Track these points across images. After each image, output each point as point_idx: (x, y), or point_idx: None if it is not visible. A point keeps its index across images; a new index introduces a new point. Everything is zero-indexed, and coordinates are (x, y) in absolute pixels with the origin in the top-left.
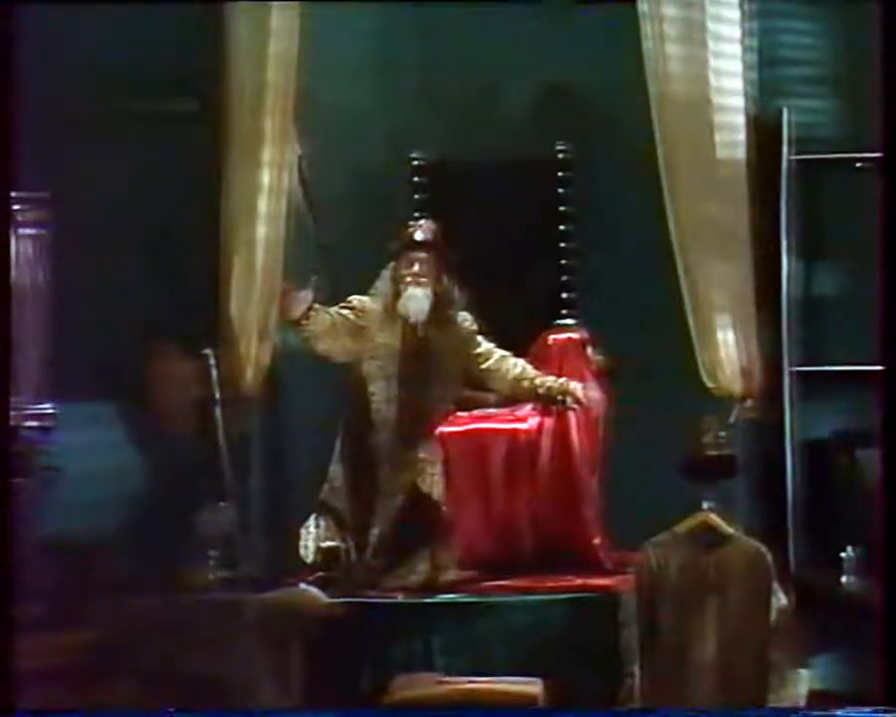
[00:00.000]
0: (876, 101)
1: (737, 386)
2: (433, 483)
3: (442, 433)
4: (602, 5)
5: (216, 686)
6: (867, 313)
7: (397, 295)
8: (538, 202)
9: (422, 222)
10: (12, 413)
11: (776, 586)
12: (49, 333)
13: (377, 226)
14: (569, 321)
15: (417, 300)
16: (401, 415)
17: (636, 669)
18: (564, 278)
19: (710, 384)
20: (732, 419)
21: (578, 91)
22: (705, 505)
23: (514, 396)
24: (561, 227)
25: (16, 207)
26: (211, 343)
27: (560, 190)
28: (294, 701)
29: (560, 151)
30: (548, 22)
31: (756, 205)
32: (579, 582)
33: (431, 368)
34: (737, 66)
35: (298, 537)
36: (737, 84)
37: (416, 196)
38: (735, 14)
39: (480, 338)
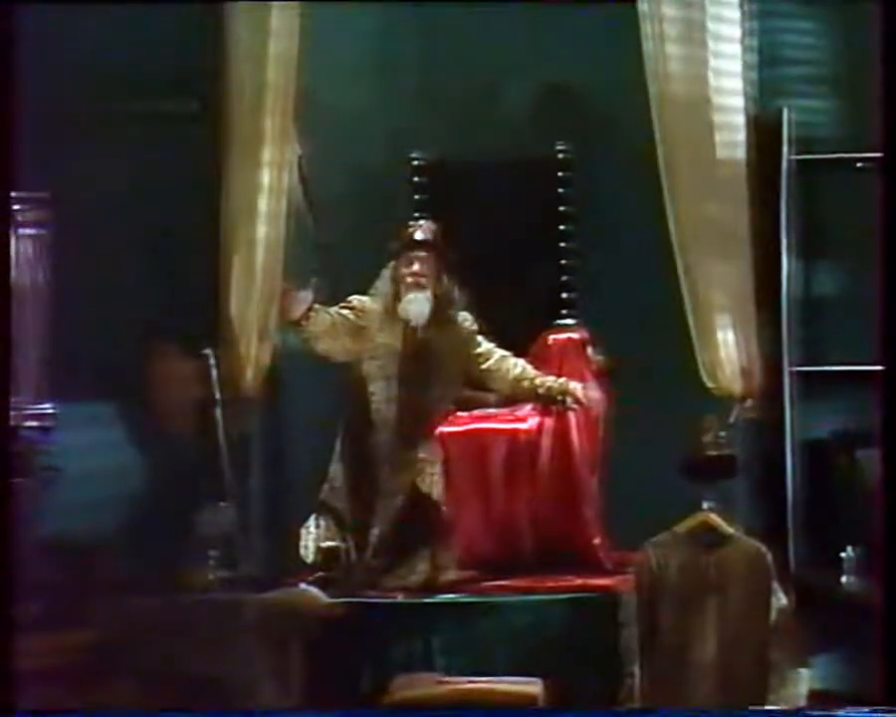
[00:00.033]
0: (876, 101)
1: (737, 386)
2: (433, 483)
3: (442, 433)
4: (602, 5)
5: (216, 686)
6: (867, 313)
7: (397, 295)
8: (538, 202)
9: (422, 222)
10: (12, 413)
11: (776, 586)
12: (49, 333)
13: (377, 226)
14: (569, 321)
15: (418, 303)
16: (401, 415)
17: (636, 669)
18: (564, 278)
19: (710, 384)
20: (732, 419)
21: (578, 91)
22: (705, 505)
23: (514, 396)
24: (561, 227)
25: (16, 207)
26: (211, 343)
27: (560, 190)
28: (294, 701)
29: (560, 151)
30: (548, 22)
31: (756, 205)
32: (579, 582)
33: (431, 368)
34: (737, 66)
35: (298, 537)
36: (737, 84)
37: (416, 196)
38: (735, 14)
39: (480, 338)
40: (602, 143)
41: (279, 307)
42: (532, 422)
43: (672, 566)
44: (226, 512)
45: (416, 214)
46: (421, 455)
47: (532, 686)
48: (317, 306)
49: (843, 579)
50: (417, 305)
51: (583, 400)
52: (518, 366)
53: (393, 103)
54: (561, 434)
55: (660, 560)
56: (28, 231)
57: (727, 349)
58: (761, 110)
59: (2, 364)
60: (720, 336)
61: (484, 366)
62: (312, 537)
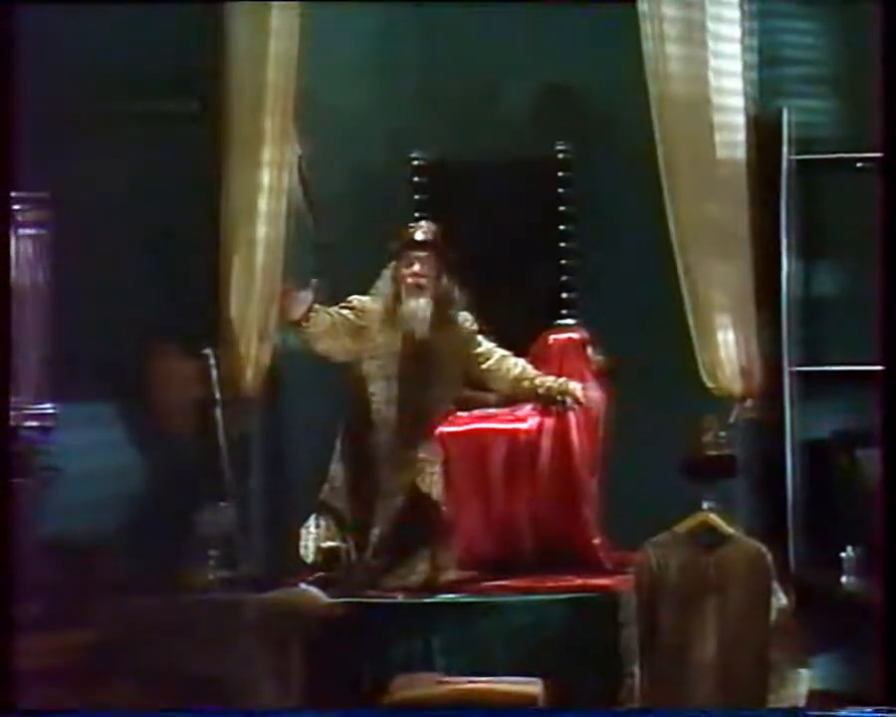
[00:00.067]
0: (876, 101)
1: (737, 386)
2: (433, 483)
3: (442, 433)
4: (602, 5)
5: (216, 686)
6: (867, 313)
7: (398, 295)
8: (538, 202)
9: (422, 223)
10: (12, 413)
11: (776, 586)
12: (49, 333)
13: (377, 226)
14: (569, 321)
15: (418, 304)
16: (401, 415)
17: (636, 669)
18: (564, 278)
19: (710, 384)
20: (732, 419)
21: (578, 91)
22: (705, 505)
23: (514, 396)
24: (561, 227)
25: (16, 207)
26: (211, 343)
27: (560, 190)
28: (294, 701)
29: (560, 151)
30: (548, 22)
31: (756, 205)
32: (579, 582)
33: (431, 369)
34: (737, 66)
35: (298, 537)
36: (737, 84)
37: (416, 196)
38: (735, 14)
39: (480, 338)
40: (602, 143)
41: (279, 307)
42: (532, 422)
43: (672, 566)
44: (226, 512)
45: (416, 214)
46: (421, 455)
47: (532, 686)
48: (317, 306)
49: (843, 579)
50: (418, 306)
51: (583, 400)
52: (518, 366)
53: (393, 103)
54: (561, 434)
55: (660, 560)
56: (28, 231)
57: (727, 349)
58: (761, 110)
59: (2, 364)
60: (720, 336)
61: (484, 366)
62: (312, 537)
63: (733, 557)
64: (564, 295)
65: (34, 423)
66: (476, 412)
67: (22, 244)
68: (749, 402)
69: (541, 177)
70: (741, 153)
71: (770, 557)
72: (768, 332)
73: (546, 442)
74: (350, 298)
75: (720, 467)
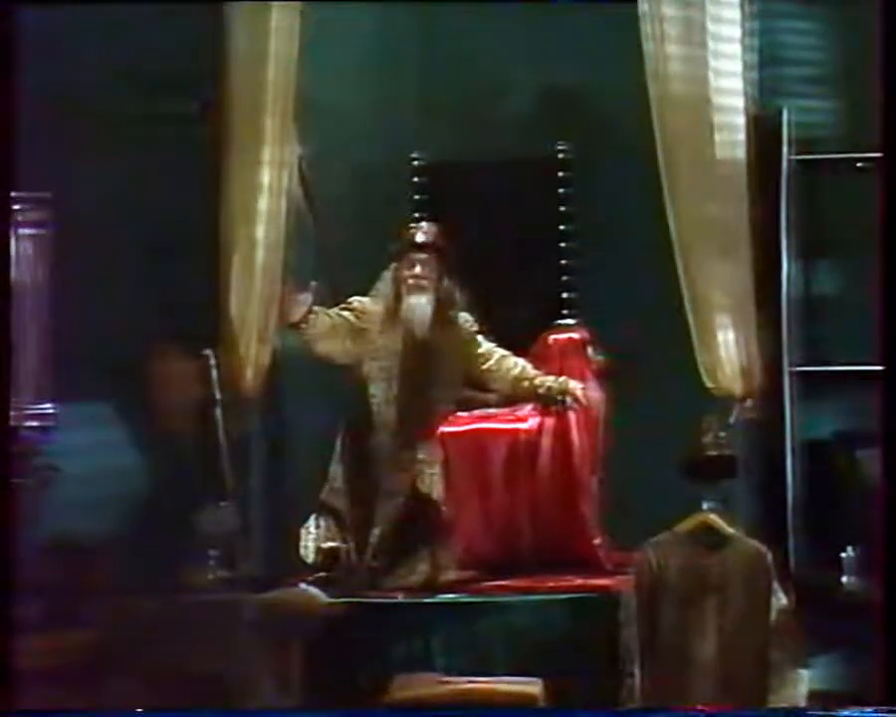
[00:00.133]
0: (876, 101)
1: (737, 386)
2: (433, 483)
3: (442, 433)
4: (602, 5)
5: (216, 686)
6: (867, 313)
7: (398, 296)
8: (538, 202)
9: (423, 224)
10: (12, 413)
11: (776, 586)
12: (49, 333)
13: (377, 227)
14: (569, 321)
15: (419, 306)
16: (402, 416)
17: (636, 669)
18: (565, 278)
19: (710, 384)
20: (732, 419)
21: (578, 91)
22: (705, 505)
23: (514, 396)
24: (561, 227)
25: (16, 207)
26: (211, 343)
27: (561, 190)
28: (294, 701)
29: (560, 151)
30: (548, 22)
31: (756, 205)
32: (579, 582)
33: (432, 369)
34: (737, 66)
35: (298, 537)
36: (737, 84)
37: (416, 196)
38: (735, 14)
39: (480, 338)
40: (602, 143)
41: (278, 310)
42: (532, 422)
43: (672, 566)
44: (226, 512)
45: (416, 214)
46: (421, 455)
47: (532, 686)
48: (316, 308)
49: (843, 579)
50: (418, 306)
51: (583, 400)
52: (518, 366)
53: (393, 103)
54: (561, 434)
55: (660, 560)
56: (28, 231)
57: (727, 349)
58: (761, 110)
59: (2, 365)
60: (720, 336)
61: (484, 367)
62: (312, 537)
63: (733, 557)
64: (564, 295)
65: (34, 423)
66: (476, 412)
67: (22, 244)
68: (749, 402)
69: (541, 177)
70: (741, 153)
71: (770, 557)
72: (768, 332)
73: (546, 442)
74: (351, 299)
75: (720, 467)
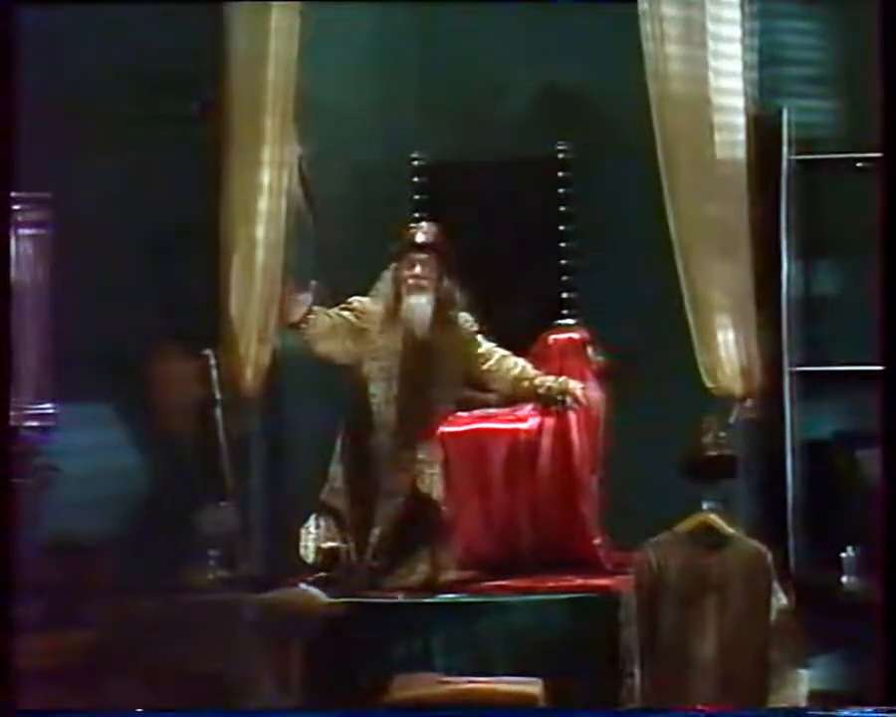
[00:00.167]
0: (876, 101)
1: (737, 386)
2: (433, 483)
3: (442, 433)
4: (602, 5)
5: (216, 686)
6: (867, 313)
7: (398, 297)
8: (538, 202)
9: (423, 224)
10: (12, 413)
11: (776, 586)
12: (49, 333)
13: (377, 227)
14: (569, 321)
15: (420, 306)
16: (402, 416)
17: (636, 669)
18: (565, 278)
19: (710, 384)
20: (732, 419)
21: (578, 91)
22: (705, 505)
23: (514, 396)
24: (561, 227)
25: (16, 207)
26: (211, 343)
27: (561, 190)
28: (294, 701)
29: (560, 151)
30: (548, 22)
31: (756, 205)
32: (579, 582)
33: (432, 369)
34: (737, 66)
35: (298, 537)
36: (737, 84)
37: (416, 196)
38: (735, 14)
39: (480, 338)
40: (602, 143)
41: (278, 310)
42: (532, 422)
43: (672, 566)
44: (226, 512)
45: (416, 214)
46: (421, 456)
47: (532, 686)
48: (316, 308)
49: (843, 579)
50: (418, 307)
51: (583, 400)
52: (518, 366)
53: (393, 103)
54: (561, 434)
55: (660, 560)
56: (28, 231)
57: (727, 349)
58: (761, 110)
59: (2, 364)
60: (720, 336)
61: (484, 367)
62: (312, 537)
63: (733, 557)
64: (564, 295)
65: (34, 423)
66: (476, 412)
67: (22, 244)
68: (749, 402)
69: (541, 177)
70: (741, 153)
71: (770, 557)
72: (768, 332)
73: (546, 442)
74: (351, 299)
75: (720, 467)
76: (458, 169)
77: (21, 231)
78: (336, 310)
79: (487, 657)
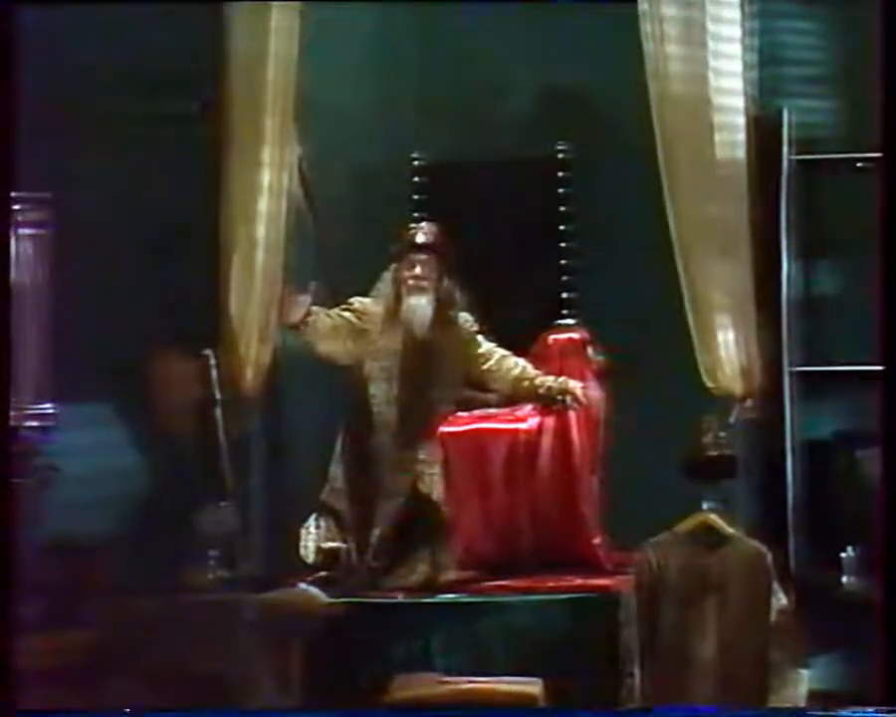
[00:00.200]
0: (876, 101)
1: (737, 386)
2: (433, 484)
3: (442, 433)
4: (603, 5)
5: (216, 686)
6: (867, 313)
7: (399, 297)
8: (538, 202)
9: (423, 224)
10: (12, 413)
11: (776, 586)
12: (49, 333)
13: (377, 227)
14: (569, 321)
15: (420, 306)
16: (402, 416)
17: (636, 669)
18: (565, 278)
19: (710, 384)
20: (732, 419)
21: (578, 91)
22: (705, 505)
23: (514, 396)
24: (561, 227)
25: (16, 207)
26: (211, 343)
27: (561, 190)
28: (294, 701)
29: (560, 151)
30: (548, 22)
31: (756, 205)
32: (579, 582)
33: (432, 370)
34: (737, 66)
35: (298, 537)
36: (737, 84)
37: (416, 196)
38: (735, 14)
39: (481, 338)
40: (602, 143)
41: (278, 310)
42: (532, 422)
43: (672, 566)
44: (226, 512)
45: (416, 214)
46: (421, 456)
47: (532, 686)
48: (315, 309)
49: (843, 579)
50: (419, 307)
51: (583, 400)
52: (518, 366)
53: (393, 103)
54: (561, 434)
55: (660, 560)
56: (28, 231)
57: (727, 349)
58: (761, 110)
59: (2, 365)
60: (720, 336)
61: (485, 367)
62: (312, 537)
63: (733, 557)
64: (564, 295)
65: (34, 423)
66: (476, 412)
67: (22, 244)
68: (749, 402)
69: (541, 177)
70: (741, 153)
71: (770, 557)
72: (768, 332)
73: (546, 442)
74: (351, 300)
75: (720, 467)
76: (458, 169)
77: (21, 231)
78: (336, 310)
79: (487, 657)
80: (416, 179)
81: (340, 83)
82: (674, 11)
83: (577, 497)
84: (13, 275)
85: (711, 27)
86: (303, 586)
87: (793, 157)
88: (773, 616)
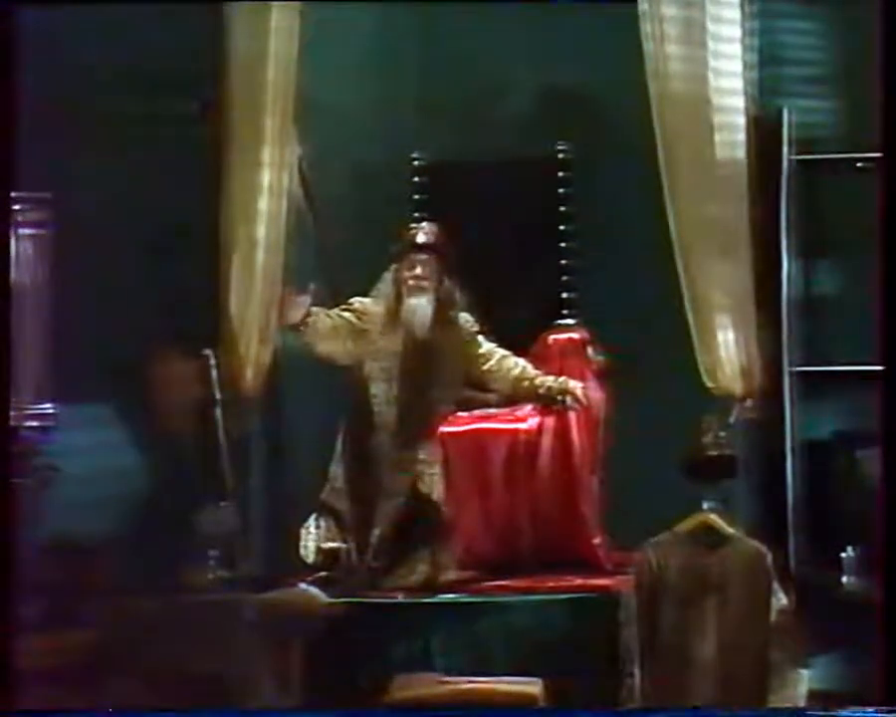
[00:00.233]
0: (876, 101)
1: (737, 386)
2: (433, 484)
3: (442, 433)
4: (603, 5)
5: (216, 686)
6: (867, 313)
7: (399, 297)
8: (538, 202)
9: (424, 224)
10: (12, 413)
11: (776, 586)
12: (49, 333)
13: (377, 227)
14: (569, 321)
15: (420, 307)
16: (402, 416)
17: (636, 669)
18: (565, 278)
19: (710, 384)
20: (732, 419)
21: (578, 91)
22: (705, 505)
23: (514, 396)
24: (562, 227)
25: (16, 207)
26: (211, 343)
27: (561, 190)
28: (294, 701)
29: (560, 151)
30: (548, 22)
31: (756, 205)
32: (579, 582)
33: (432, 370)
34: (737, 66)
35: (298, 537)
36: (737, 84)
37: (416, 196)
38: (735, 14)
39: (481, 338)
40: (602, 143)
41: (278, 310)
42: (532, 422)
43: (672, 566)
44: (226, 512)
45: (416, 214)
46: (422, 456)
47: (532, 686)
48: (315, 309)
49: (843, 579)
50: (419, 308)
51: (583, 400)
52: (518, 367)
53: (393, 103)
54: (561, 434)
55: (660, 560)
56: (28, 231)
57: (727, 349)
58: (761, 110)
59: (2, 364)
60: (720, 336)
61: (485, 367)
62: (312, 537)
63: (733, 557)
64: (564, 295)
65: (34, 423)
66: (476, 412)
67: (22, 244)
68: (749, 402)
69: (541, 177)
70: (741, 153)
71: (770, 557)
72: (768, 332)
73: (546, 442)
74: (352, 300)
75: (720, 467)
76: (458, 169)
77: (21, 231)
78: (336, 310)
79: (487, 657)
80: (416, 179)
81: (340, 83)
82: (674, 11)
83: (577, 497)
84: (13, 275)
85: (711, 27)
86: (303, 586)
87: (793, 157)
88: (773, 616)
